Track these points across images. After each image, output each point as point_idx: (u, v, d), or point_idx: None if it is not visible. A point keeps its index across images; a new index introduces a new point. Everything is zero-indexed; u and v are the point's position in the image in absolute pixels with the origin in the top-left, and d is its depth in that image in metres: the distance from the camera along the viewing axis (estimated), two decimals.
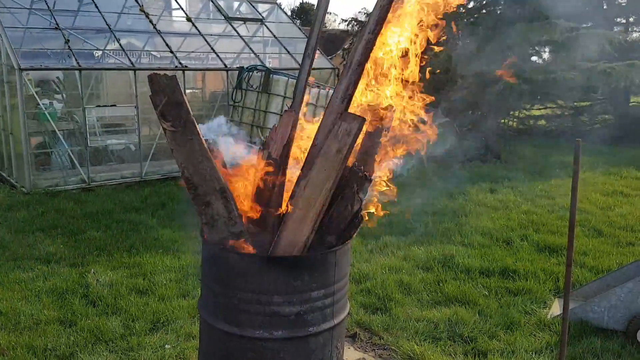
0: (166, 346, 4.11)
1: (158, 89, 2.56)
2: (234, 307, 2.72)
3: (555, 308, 4.79)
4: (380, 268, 5.64)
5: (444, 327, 4.44)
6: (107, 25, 10.10)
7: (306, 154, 3.02)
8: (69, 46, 9.28)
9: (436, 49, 3.19)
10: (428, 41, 3.21)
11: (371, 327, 4.46)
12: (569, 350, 4.06)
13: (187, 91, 11.37)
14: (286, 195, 3.03)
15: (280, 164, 2.99)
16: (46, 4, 10.04)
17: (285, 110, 3.12)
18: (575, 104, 17.24)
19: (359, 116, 2.81)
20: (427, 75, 3.22)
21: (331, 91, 3.11)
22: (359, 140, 2.97)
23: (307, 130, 3.23)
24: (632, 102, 17.37)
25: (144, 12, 10.60)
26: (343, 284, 2.90)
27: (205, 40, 10.81)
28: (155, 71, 2.88)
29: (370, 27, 2.94)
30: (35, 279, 5.27)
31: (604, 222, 7.34)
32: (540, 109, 18.28)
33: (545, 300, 4.98)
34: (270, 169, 2.94)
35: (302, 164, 3.03)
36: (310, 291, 2.72)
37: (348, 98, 2.98)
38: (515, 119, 16.57)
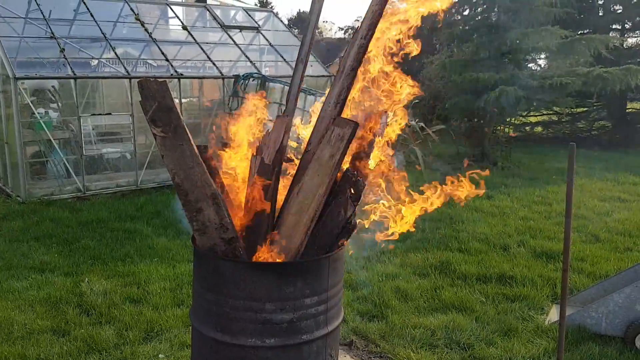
0: (160, 356, 4.07)
1: (148, 95, 2.53)
2: (226, 315, 2.68)
3: (553, 314, 4.75)
4: (377, 275, 5.60)
5: (441, 334, 4.40)
6: (103, 34, 10.08)
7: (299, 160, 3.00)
8: (64, 55, 9.27)
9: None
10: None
11: (367, 335, 4.42)
12: (567, 357, 4.03)
13: (184, 100, 11.35)
14: (279, 201, 3.00)
15: (273, 169, 2.96)
16: (42, 13, 10.02)
17: (278, 116, 3.09)
18: (571, 110, 17.28)
19: (352, 121, 2.79)
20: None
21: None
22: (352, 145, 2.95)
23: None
24: (629, 108, 17.40)
25: (139, 20, 10.60)
26: (337, 290, 2.87)
27: (202, 48, 10.81)
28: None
29: (363, 32, 2.92)
30: (29, 288, 5.23)
31: (602, 227, 7.32)
32: (536, 116, 18.32)
33: (543, 306, 4.95)
34: (263, 174, 2.91)
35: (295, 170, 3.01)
36: (303, 298, 2.68)
37: (341, 103, 2.96)
38: (511, 126, 16.60)
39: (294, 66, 3.26)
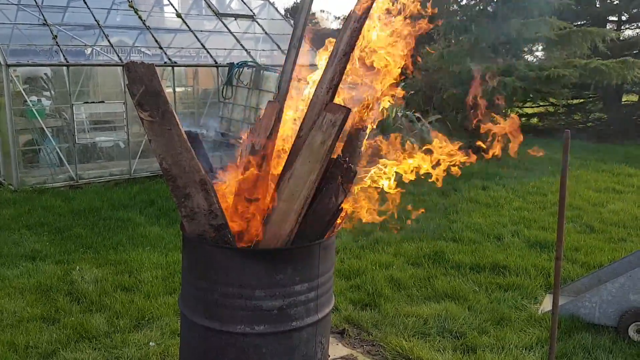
0: (151, 343, 4.04)
1: (135, 78, 2.49)
2: (215, 302, 2.65)
3: (547, 304, 4.74)
4: (371, 264, 5.58)
5: (434, 323, 4.38)
6: (96, 21, 9.99)
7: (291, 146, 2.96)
8: (57, 42, 9.18)
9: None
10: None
11: (360, 323, 4.40)
12: (560, 346, 4.01)
13: (178, 89, 11.27)
14: (270, 188, 2.97)
15: (263, 156, 2.92)
16: (34, 0, 9.93)
17: (269, 102, 3.05)
18: (567, 102, 17.27)
19: (344, 107, 2.75)
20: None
21: None
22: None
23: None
24: (624, 100, 17.39)
25: (133, 8, 10.50)
26: (327, 277, 2.84)
27: (196, 36, 10.72)
28: None
29: (356, 16, 2.87)
30: (20, 276, 5.18)
31: (596, 218, 7.31)
32: (533, 107, 18.30)
33: (536, 295, 4.93)
34: (254, 161, 2.88)
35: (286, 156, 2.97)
36: (293, 285, 2.65)
37: (333, 89, 2.92)
38: (507, 117, 16.54)
39: None
